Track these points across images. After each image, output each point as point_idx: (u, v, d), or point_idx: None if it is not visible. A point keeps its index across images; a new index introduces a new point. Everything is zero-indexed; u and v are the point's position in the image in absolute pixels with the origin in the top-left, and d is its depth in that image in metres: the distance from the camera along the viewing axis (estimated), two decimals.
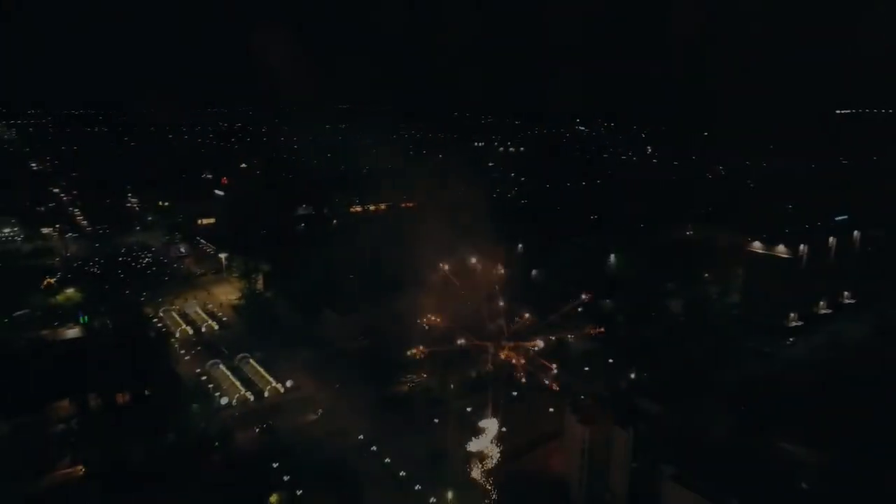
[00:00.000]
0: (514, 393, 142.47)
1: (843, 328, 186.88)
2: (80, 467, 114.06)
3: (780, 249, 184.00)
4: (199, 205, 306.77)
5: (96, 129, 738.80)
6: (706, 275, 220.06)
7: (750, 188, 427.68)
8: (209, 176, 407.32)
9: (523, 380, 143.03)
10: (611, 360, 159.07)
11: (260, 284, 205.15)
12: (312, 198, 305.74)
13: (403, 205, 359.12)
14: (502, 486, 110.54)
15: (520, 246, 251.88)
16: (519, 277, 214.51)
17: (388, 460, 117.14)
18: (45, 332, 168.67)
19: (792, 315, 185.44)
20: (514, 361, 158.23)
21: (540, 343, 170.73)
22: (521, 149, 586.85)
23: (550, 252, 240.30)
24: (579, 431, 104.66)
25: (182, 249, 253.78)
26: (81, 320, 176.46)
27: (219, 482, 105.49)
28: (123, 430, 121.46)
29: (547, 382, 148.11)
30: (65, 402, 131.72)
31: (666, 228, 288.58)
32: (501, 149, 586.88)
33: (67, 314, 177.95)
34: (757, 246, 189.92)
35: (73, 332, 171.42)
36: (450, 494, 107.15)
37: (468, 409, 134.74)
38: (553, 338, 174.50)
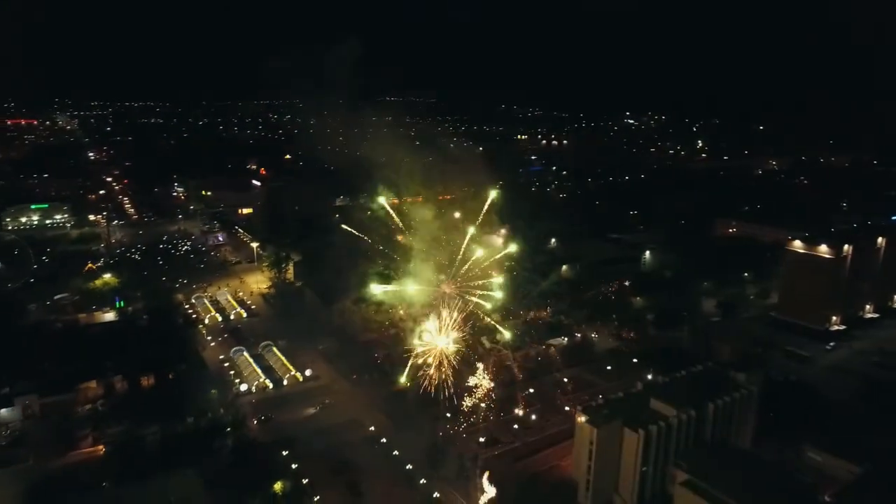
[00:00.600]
0: (531, 390, 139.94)
1: (890, 334, 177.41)
2: (101, 447, 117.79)
3: (824, 249, 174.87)
4: (240, 195, 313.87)
5: (152, 121, 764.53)
6: (745, 274, 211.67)
7: (804, 185, 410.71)
8: (254, 167, 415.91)
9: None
10: (635, 360, 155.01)
11: (290, 274, 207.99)
12: (349, 189, 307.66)
13: (440, 197, 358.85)
14: (510, 483, 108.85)
15: (552, 241, 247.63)
16: (548, 274, 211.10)
17: (395, 452, 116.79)
18: (82, 315, 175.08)
19: (834, 318, 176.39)
20: (534, 358, 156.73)
21: (563, 341, 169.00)
22: (564, 142, 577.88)
23: (583, 248, 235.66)
24: (587, 432, 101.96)
25: (220, 238, 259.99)
26: (118, 305, 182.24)
27: (228, 467, 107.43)
28: (144, 413, 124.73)
29: (566, 381, 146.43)
30: (93, 383, 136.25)
31: (709, 225, 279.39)
32: (544, 142, 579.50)
33: (105, 298, 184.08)
34: (799, 245, 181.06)
35: (109, 316, 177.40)
36: (454, 490, 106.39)
37: (482, 405, 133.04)
38: (578, 335, 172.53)
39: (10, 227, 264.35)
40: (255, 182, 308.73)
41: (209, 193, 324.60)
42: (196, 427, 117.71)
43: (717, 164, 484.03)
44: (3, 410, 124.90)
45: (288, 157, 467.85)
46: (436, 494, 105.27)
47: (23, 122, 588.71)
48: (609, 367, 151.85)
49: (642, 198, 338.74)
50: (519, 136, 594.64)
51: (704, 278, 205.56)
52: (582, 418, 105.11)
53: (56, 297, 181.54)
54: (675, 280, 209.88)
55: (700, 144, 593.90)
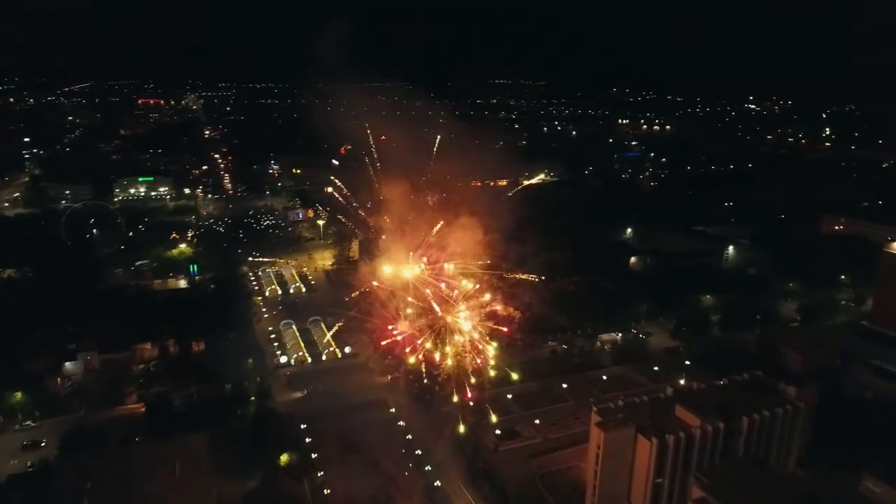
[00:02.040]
0: (564, 385, 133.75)
1: None
2: (143, 404, 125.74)
3: None
4: (326, 173, 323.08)
5: (268, 102, 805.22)
6: (842, 277, 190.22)
7: None
8: (349, 147, 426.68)
9: None
10: (687, 362, 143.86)
11: (353, 252, 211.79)
12: (429, 171, 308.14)
13: (525, 182, 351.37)
14: (517, 480, 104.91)
15: (629, 231, 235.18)
16: (615, 265, 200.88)
17: (409, 437, 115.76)
18: (157, 281, 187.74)
19: None
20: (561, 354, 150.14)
21: (617, 337, 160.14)
22: (668, 127, 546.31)
23: (661, 240, 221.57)
24: (596, 434, 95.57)
25: (300, 215, 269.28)
26: (192, 273, 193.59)
27: (244, 434, 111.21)
28: (186, 376, 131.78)
29: (605, 378, 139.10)
30: (148, 345, 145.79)
31: (813, 221, 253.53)
32: (645, 126, 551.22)
33: (180, 267, 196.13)
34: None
35: (181, 284, 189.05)
36: (458, 479, 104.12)
37: (508, 396, 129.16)
38: (634, 332, 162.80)
39: (118, 198, 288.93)
40: (334, 161, 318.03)
41: (299, 171, 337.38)
42: (224, 393, 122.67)
43: (841, 154, 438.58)
44: (68, 364, 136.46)
45: (383, 137, 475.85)
46: (437, 483, 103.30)
47: (151, 102, 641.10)
48: (656, 368, 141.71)
49: (742, 188, 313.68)
50: (620, 121, 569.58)
51: (791, 279, 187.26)
52: (596, 419, 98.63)
53: (138, 263, 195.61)
54: (756, 279, 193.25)
55: (827, 132, 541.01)
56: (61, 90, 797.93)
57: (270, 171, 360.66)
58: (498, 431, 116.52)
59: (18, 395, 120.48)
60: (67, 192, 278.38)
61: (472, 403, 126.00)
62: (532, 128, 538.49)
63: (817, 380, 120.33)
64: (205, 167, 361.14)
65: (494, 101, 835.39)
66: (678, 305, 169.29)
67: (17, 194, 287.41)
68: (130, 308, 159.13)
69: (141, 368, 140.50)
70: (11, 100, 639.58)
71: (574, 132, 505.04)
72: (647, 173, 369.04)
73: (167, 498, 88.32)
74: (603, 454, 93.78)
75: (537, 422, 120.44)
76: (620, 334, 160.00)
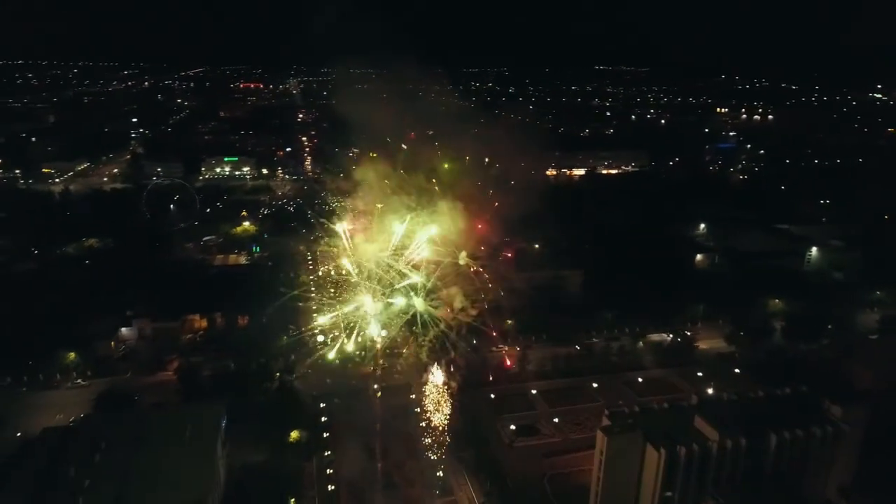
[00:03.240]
0: (594, 385, 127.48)
1: None
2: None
3: None
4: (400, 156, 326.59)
5: (364, 87, 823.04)
6: None
7: None
8: (431, 132, 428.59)
9: None
10: (737, 370, 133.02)
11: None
12: (499, 159, 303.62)
13: (605, 171, 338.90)
14: (524, 479, 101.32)
15: (702, 226, 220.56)
16: (683, 262, 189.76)
17: (422, 423, 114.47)
18: (220, 256, 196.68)
19: None
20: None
21: (667, 337, 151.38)
22: (770, 117, 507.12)
23: (738, 237, 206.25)
24: (600, 439, 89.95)
25: None
26: (254, 250, 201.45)
27: (263, 408, 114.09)
28: (225, 348, 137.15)
29: (640, 380, 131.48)
30: (197, 316, 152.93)
31: None
32: (744, 116, 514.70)
33: (245, 244, 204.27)
34: None
35: (242, 260, 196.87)
36: (464, 472, 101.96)
37: (533, 392, 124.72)
38: (688, 333, 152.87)
39: (204, 176, 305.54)
40: (403, 146, 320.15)
41: (375, 155, 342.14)
42: (253, 367, 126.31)
43: None
44: (123, 329, 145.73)
45: (475, 129, 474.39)
46: (439, 473, 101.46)
47: (252, 86, 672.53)
48: (700, 374, 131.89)
49: (847, 185, 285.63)
50: (719, 110, 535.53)
51: (881, 286, 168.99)
52: (603, 423, 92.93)
53: (205, 239, 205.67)
54: (840, 284, 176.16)
55: None
56: (178, 75, 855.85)
57: (351, 154, 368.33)
58: (513, 427, 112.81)
59: (72, 355, 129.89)
60: (159, 169, 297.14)
61: (492, 396, 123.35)
62: (623, 116, 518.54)
63: (882, 399, 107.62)
64: (289, 149, 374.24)
65: (590, 88, 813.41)
66: (741, 308, 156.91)
67: (117, 170, 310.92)
68: (187, 280, 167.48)
69: (189, 338, 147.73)
70: (131, 83, 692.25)
71: (663, 121, 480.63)
72: (740, 166, 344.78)
73: (172, 462, 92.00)
74: (606, 460, 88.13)
75: (556, 420, 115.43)
76: (671, 335, 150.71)
